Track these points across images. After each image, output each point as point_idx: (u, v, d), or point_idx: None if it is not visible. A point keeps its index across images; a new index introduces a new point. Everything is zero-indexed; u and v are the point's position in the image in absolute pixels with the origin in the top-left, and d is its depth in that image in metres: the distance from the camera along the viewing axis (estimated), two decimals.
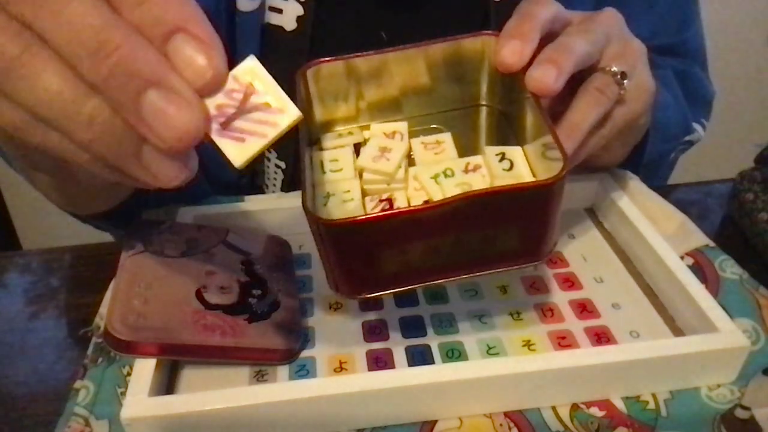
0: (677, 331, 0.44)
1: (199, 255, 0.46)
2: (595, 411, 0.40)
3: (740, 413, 0.40)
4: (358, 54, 0.41)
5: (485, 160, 0.39)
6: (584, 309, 0.46)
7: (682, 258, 0.47)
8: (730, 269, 0.49)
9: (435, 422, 0.39)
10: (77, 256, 0.57)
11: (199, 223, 0.51)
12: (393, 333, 0.44)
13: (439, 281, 0.36)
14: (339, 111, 0.41)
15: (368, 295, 0.36)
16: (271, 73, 0.29)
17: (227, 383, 0.41)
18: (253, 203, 0.54)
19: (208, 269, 0.45)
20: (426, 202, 0.37)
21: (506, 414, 0.40)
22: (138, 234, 0.46)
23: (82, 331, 0.49)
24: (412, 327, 0.45)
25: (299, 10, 0.61)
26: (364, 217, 0.34)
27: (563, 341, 0.43)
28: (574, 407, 0.40)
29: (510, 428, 0.39)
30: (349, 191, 0.38)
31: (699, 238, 0.51)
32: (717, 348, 0.39)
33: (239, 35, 0.61)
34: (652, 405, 0.40)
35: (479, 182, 0.38)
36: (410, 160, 0.41)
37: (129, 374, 0.40)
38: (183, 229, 0.48)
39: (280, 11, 0.61)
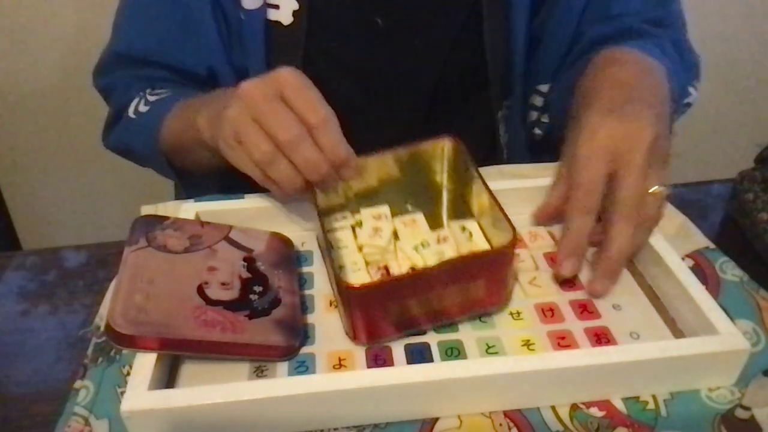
0: (678, 333, 0.44)
1: (201, 251, 0.46)
2: (594, 411, 0.40)
3: (740, 413, 0.40)
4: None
5: (451, 232, 0.51)
6: (584, 309, 0.46)
7: (682, 260, 0.46)
8: (730, 271, 0.49)
9: (435, 421, 0.40)
10: (77, 256, 0.57)
11: (202, 220, 0.51)
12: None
13: (429, 326, 0.44)
14: (335, 200, 0.52)
15: (379, 342, 0.43)
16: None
17: (227, 378, 0.41)
18: (256, 201, 0.54)
19: (210, 265, 0.45)
20: (412, 268, 0.47)
21: (506, 414, 0.40)
22: (141, 230, 0.46)
23: (82, 331, 0.49)
24: None
25: (294, 5, 0.61)
26: (379, 280, 0.46)
27: (563, 341, 0.43)
28: (574, 407, 0.40)
29: (510, 428, 0.39)
30: (356, 262, 0.48)
31: (699, 240, 0.51)
32: (717, 350, 0.39)
33: (245, 32, 0.62)
34: (651, 405, 0.40)
35: (449, 250, 0.49)
36: (395, 236, 0.51)
37: (129, 374, 0.40)
38: (186, 226, 0.49)
39: (277, 7, 0.62)
